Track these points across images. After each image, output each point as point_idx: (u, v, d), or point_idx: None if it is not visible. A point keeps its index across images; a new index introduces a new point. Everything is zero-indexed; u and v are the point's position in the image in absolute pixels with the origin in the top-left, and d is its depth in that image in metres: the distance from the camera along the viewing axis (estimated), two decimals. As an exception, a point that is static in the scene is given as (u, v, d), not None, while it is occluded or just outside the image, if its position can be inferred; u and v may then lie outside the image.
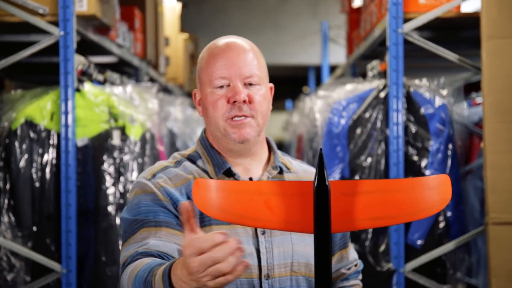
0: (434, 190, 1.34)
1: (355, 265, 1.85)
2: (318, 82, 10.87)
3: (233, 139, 1.67)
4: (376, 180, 1.36)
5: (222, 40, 1.72)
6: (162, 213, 1.62)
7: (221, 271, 1.27)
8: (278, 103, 16.00)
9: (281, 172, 1.76)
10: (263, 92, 1.69)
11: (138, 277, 1.46)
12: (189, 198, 1.65)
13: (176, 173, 1.69)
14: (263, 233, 1.66)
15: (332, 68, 8.55)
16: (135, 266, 1.50)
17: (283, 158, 1.81)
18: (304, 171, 1.81)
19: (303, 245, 1.69)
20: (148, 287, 1.42)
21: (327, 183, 1.27)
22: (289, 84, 15.87)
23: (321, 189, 1.27)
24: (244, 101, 1.65)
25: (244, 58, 1.68)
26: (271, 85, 1.76)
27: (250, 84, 1.68)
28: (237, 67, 1.66)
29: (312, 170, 1.83)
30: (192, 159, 1.74)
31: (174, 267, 1.36)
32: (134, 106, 3.49)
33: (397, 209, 1.33)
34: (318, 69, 11.63)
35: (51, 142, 3.21)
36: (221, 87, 1.67)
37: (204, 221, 1.63)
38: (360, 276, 1.88)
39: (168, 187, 1.65)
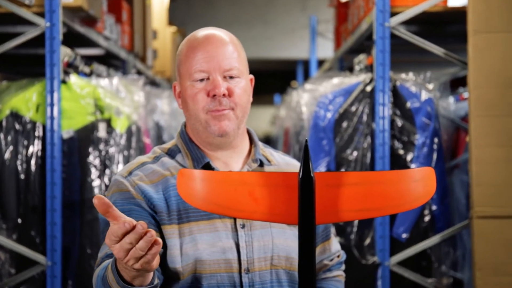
0: (419, 183, 1.35)
1: (338, 256, 1.86)
2: (306, 76, 10.88)
3: (212, 132, 1.66)
4: (361, 172, 1.36)
5: (201, 33, 1.70)
6: (135, 212, 1.62)
7: (139, 253, 1.32)
8: (267, 97, 16.00)
9: (261, 165, 1.75)
10: (243, 84, 1.68)
11: (98, 277, 1.51)
12: (164, 195, 1.65)
13: (152, 170, 1.68)
14: (243, 227, 1.66)
15: (320, 63, 8.57)
16: (100, 267, 1.54)
17: (264, 150, 1.80)
18: (286, 164, 1.81)
19: (283, 239, 1.68)
20: (105, 284, 1.46)
21: (312, 175, 1.27)
22: (278, 78, 15.88)
23: (306, 180, 1.27)
24: (224, 95, 1.64)
25: (224, 51, 1.66)
26: (251, 77, 1.75)
27: (230, 77, 1.66)
28: (217, 60, 1.65)
29: (295, 163, 1.83)
30: (171, 153, 1.73)
31: None
32: (120, 99, 3.48)
33: (382, 201, 1.33)
34: (306, 63, 11.64)
35: (36, 134, 3.20)
36: (201, 80, 1.66)
37: (182, 218, 1.63)
38: (343, 267, 1.89)
39: (143, 185, 1.65)
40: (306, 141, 1.28)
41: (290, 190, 1.30)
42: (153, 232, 1.31)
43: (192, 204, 1.31)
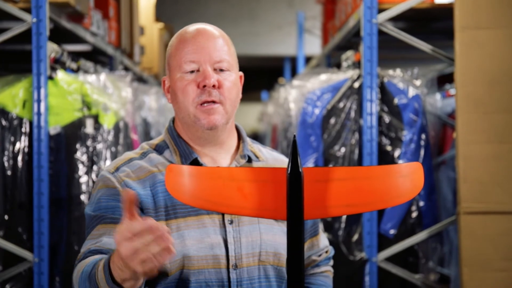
0: (407, 178, 1.35)
1: (326, 252, 1.87)
2: (294, 73, 10.88)
3: (202, 125, 1.66)
4: (349, 167, 1.36)
5: (192, 27, 1.71)
6: (120, 209, 1.59)
7: (150, 256, 1.29)
8: (254, 94, 15.99)
9: (249, 160, 1.75)
10: (233, 78, 1.69)
11: (83, 272, 1.48)
12: (152, 191, 1.64)
13: (140, 166, 1.68)
14: (231, 222, 1.65)
15: (308, 59, 8.57)
16: (83, 263, 1.51)
17: (252, 146, 1.80)
18: (274, 159, 1.81)
19: (271, 234, 1.68)
20: (92, 281, 1.43)
21: (300, 170, 1.28)
22: (265, 75, 15.87)
23: (294, 176, 1.27)
24: (214, 86, 1.64)
25: (214, 43, 1.67)
26: (241, 73, 1.75)
27: (220, 70, 1.67)
28: (207, 51, 1.66)
29: (283, 158, 1.84)
30: (159, 149, 1.73)
31: (112, 256, 1.38)
32: (107, 95, 3.47)
33: (370, 196, 1.34)
34: (293, 60, 11.64)
35: (23, 130, 3.18)
36: (191, 72, 1.66)
37: (170, 214, 1.63)
38: (331, 262, 1.89)
39: (130, 181, 1.64)
40: (295, 136, 1.29)
41: (279, 185, 1.30)
42: (171, 240, 1.29)
43: (181, 200, 1.31)
